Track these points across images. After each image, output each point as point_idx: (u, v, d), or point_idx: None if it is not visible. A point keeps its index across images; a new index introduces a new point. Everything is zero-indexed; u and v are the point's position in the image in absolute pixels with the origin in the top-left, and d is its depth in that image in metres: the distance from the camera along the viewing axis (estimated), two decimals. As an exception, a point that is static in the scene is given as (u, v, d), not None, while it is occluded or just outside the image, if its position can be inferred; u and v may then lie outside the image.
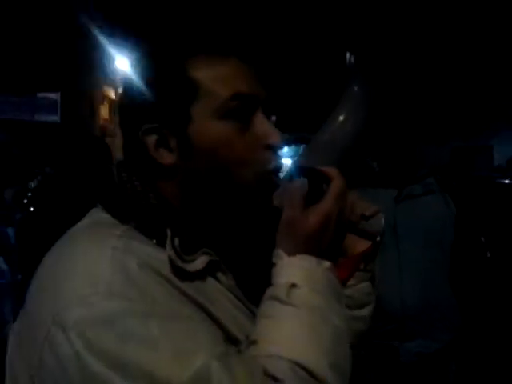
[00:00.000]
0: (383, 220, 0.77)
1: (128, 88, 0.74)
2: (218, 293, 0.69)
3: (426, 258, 1.87)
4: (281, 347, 0.60)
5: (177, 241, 0.66)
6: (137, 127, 0.71)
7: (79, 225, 0.72)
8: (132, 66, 0.75)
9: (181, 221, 0.70)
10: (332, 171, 0.73)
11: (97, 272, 0.60)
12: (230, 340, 0.65)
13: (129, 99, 0.74)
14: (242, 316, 0.70)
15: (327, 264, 0.69)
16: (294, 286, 0.65)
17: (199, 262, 0.67)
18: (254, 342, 0.63)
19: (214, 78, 0.71)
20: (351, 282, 0.80)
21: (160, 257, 0.65)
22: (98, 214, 0.72)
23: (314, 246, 0.69)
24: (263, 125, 0.72)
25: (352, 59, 1.56)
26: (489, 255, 2.00)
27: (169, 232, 0.67)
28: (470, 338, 2.06)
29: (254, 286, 0.72)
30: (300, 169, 0.74)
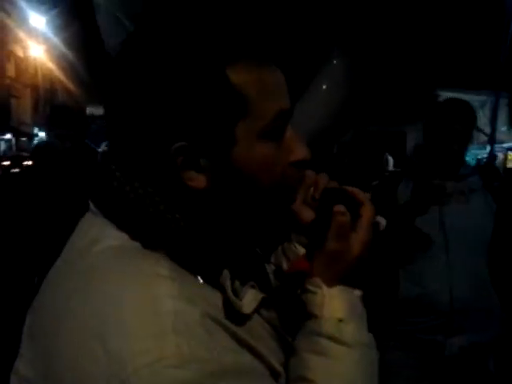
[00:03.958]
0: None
1: (151, 96, 0.58)
2: (260, 327, 0.66)
3: (474, 256, 1.94)
4: None
5: (237, 284, 0.63)
6: (164, 143, 0.59)
7: (102, 248, 0.60)
8: (156, 69, 0.59)
9: (217, 251, 0.64)
10: (361, 194, 0.71)
11: (160, 330, 0.53)
12: (273, 374, 0.65)
13: (157, 108, 0.58)
14: (278, 346, 0.69)
15: (359, 293, 0.71)
16: (340, 320, 0.66)
17: (251, 301, 0.63)
18: (308, 381, 0.64)
19: (261, 90, 0.60)
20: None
21: (212, 298, 0.60)
22: (113, 233, 0.61)
23: (351, 275, 0.70)
24: (293, 141, 0.66)
25: (330, 36, 1.58)
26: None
27: (227, 273, 0.62)
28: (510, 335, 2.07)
29: (285, 313, 0.72)
30: (333, 191, 0.72)
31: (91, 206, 0.64)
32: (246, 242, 0.69)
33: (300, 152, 0.66)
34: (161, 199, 0.61)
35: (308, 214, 0.70)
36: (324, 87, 1.30)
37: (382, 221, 0.78)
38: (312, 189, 0.71)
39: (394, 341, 1.99)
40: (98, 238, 0.61)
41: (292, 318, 0.70)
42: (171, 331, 0.52)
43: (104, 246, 0.60)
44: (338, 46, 1.36)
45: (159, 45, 0.59)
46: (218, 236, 0.63)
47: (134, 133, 0.60)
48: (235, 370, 0.56)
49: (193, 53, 0.58)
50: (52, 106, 3.14)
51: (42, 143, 3.47)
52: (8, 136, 21.40)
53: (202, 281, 0.61)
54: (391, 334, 1.98)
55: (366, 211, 0.70)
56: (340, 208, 0.67)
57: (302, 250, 0.76)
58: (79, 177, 2.58)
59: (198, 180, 0.61)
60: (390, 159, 9.29)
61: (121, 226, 0.61)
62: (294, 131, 0.67)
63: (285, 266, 0.79)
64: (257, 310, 0.64)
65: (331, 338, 0.65)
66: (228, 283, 0.61)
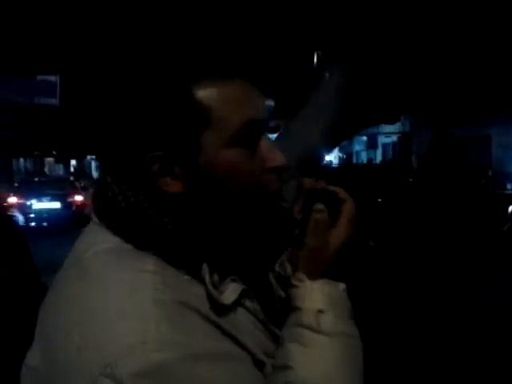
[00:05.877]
0: None
1: (127, 111, 0.66)
2: (244, 318, 0.70)
3: None
4: (317, 377, 0.66)
5: (216, 276, 0.67)
6: (139, 153, 0.66)
7: (96, 251, 0.67)
8: (131, 88, 0.66)
9: (200, 248, 0.68)
10: (342, 193, 0.75)
11: (142, 317, 0.58)
12: (257, 364, 0.68)
13: (129, 123, 0.66)
14: (264, 338, 0.72)
15: (343, 286, 0.74)
16: (320, 311, 0.69)
17: (231, 292, 0.67)
18: (288, 368, 0.67)
19: (224, 103, 0.66)
20: None
21: (194, 291, 0.65)
22: (108, 238, 0.68)
23: (332, 269, 0.73)
24: (267, 148, 0.71)
25: (320, 54, 1.56)
26: None
27: (206, 267, 0.66)
28: None
29: (272, 305, 0.76)
30: (316, 191, 0.76)
31: (93, 215, 0.71)
32: (235, 243, 0.73)
33: (276, 159, 0.70)
34: (149, 205, 0.67)
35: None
36: (319, 101, 1.28)
37: None
38: None
39: None
40: (95, 242, 0.67)
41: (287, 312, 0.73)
42: (151, 318, 0.57)
43: (98, 248, 0.66)
44: (330, 60, 1.35)
45: (135, 71, 0.66)
46: (201, 235, 0.68)
47: (117, 147, 0.67)
48: (213, 354, 0.60)
49: (162, 75, 0.65)
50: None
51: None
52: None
53: (186, 275, 0.65)
54: None
55: (347, 209, 0.73)
56: (318, 206, 0.72)
57: None
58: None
59: (174, 185, 0.66)
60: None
61: (115, 231, 0.67)
62: (270, 142, 0.71)
63: (289, 270, 0.83)
64: (240, 303, 0.68)
65: (310, 328, 0.68)
66: (207, 276, 0.65)
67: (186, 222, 0.68)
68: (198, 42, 0.69)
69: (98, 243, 0.67)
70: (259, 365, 0.67)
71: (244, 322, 0.69)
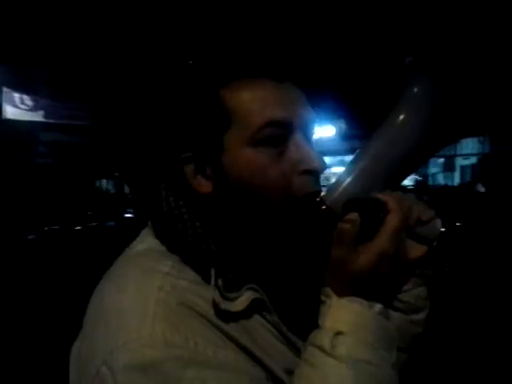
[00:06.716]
0: (440, 224, 0.74)
1: (163, 116, 0.72)
2: (262, 329, 0.67)
3: None
4: None
5: (220, 281, 0.65)
6: (173, 155, 0.70)
7: (134, 251, 0.72)
8: (165, 94, 0.73)
9: (224, 254, 0.68)
10: (391, 201, 0.67)
11: (142, 315, 0.61)
12: (273, 379, 0.65)
13: (164, 127, 0.72)
14: (287, 351, 0.68)
15: (378, 307, 0.65)
16: (339, 333, 0.62)
17: (243, 301, 0.65)
18: None
19: (246, 103, 0.67)
20: (407, 286, 0.79)
21: (205, 295, 0.65)
22: (149, 240, 0.72)
23: (366, 287, 0.64)
24: (300, 149, 0.68)
25: (410, 60, 1.48)
26: None
27: (213, 272, 0.66)
28: None
29: (299, 319, 0.71)
30: (351, 201, 0.68)
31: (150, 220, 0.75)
32: (261, 249, 0.71)
33: (308, 161, 0.68)
34: (186, 210, 0.70)
35: None
36: (402, 116, 1.21)
37: None
38: None
39: None
40: (137, 243, 0.73)
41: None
42: (150, 316, 0.61)
43: (137, 249, 0.72)
44: (419, 72, 1.26)
45: (167, 78, 0.73)
46: (226, 239, 0.69)
47: (155, 150, 0.73)
48: (209, 360, 0.59)
49: (192, 83, 0.71)
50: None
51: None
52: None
53: (203, 280, 0.67)
54: None
55: (390, 220, 0.65)
56: (350, 216, 0.65)
57: None
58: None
59: (206, 186, 0.69)
60: (481, 187, 8.66)
61: (156, 234, 0.72)
62: (303, 143, 0.69)
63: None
64: (260, 313, 0.67)
65: (322, 350, 0.62)
66: (212, 281, 0.65)
67: (213, 225, 0.69)
68: (223, 47, 0.71)
69: (139, 244, 0.72)
70: (276, 381, 0.65)
71: (264, 334, 0.67)
